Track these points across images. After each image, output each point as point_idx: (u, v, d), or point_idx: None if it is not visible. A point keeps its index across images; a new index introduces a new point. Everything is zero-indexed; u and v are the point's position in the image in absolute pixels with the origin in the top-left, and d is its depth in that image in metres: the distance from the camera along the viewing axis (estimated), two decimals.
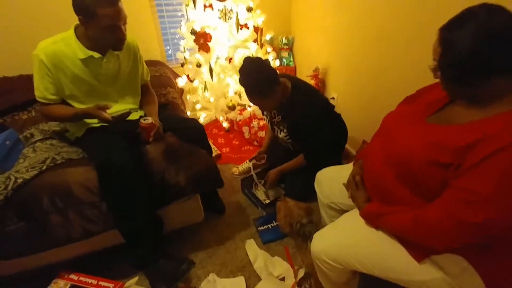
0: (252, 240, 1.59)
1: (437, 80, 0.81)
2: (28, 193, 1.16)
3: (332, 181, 1.29)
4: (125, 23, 1.22)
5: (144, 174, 1.28)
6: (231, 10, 2.01)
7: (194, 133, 1.49)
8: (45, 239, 1.20)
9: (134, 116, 1.47)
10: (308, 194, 1.51)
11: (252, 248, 1.54)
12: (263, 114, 1.82)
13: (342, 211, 1.27)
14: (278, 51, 2.90)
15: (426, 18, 1.42)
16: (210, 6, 1.96)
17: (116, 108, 1.41)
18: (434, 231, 0.75)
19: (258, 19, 2.16)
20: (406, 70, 1.59)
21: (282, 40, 2.87)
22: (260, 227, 1.65)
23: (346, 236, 1.01)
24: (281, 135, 1.68)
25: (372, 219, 0.93)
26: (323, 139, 1.57)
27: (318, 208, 1.42)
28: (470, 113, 0.75)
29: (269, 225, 1.65)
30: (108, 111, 1.22)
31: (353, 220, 1.01)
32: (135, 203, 1.24)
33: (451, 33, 0.70)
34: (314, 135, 1.54)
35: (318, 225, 1.32)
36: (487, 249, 0.78)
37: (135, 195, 1.23)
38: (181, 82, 2.26)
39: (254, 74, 1.41)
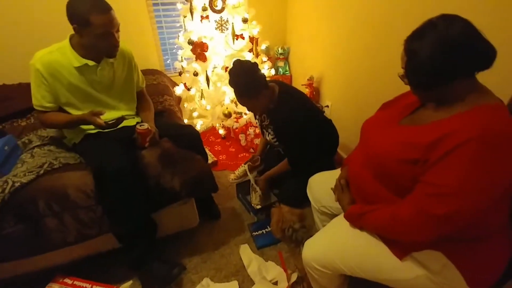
0: (246, 245, 1.60)
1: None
2: (25, 196, 1.18)
3: (323, 186, 1.32)
4: (118, 30, 1.26)
5: (139, 178, 1.31)
6: (227, 21, 2.07)
7: (190, 139, 1.51)
8: (40, 243, 1.22)
9: (130, 122, 1.50)
10: (301, 199, 1.53)
11: (246, 252, 1.55)
12: (255, 118, 1.86)
13: (333, 216, 1.29)
14: (274, 60, 2.97)
15: (417, 24, 1.47)
16: (207, 17, 2.02)
17: (112, 115, 1.43)
18: (408, 226, 0.79)
19: (253, 29, 2.23)
20: (398, 78, 1.62)
21: (278, 50, 2.94)
22: (255, 232, 1.67)
23: (333, 241, 1.03)
24: (269, 137, 1.72)
25: (355, 220, 0.97)
26: (305, 144, 1.60)
27: (311, 213, 1.44)
28: (436, 114, 0.81)
29: (264, 230, 1.67)
30: (103, 117, 1.25)
31: (339, 224, 1.05)
32: (131, 206, 1.26)
33: (413, 43, 0.77)
34: (297, 139, 1.58)
35: (310, 230, 1.34)
36: (464, 244, 0.81)
37: (130, 199, 1.26)
38: (179, 90, 2.31)
39: (242, 76, 1.45)
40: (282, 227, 1.35)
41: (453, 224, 0.73)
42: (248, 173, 1.89)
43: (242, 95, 1.50)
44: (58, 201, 1.22)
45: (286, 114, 1.54)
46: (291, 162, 1.68)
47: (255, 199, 1.80)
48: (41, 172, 1.26)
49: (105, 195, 1.25)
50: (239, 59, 1.51)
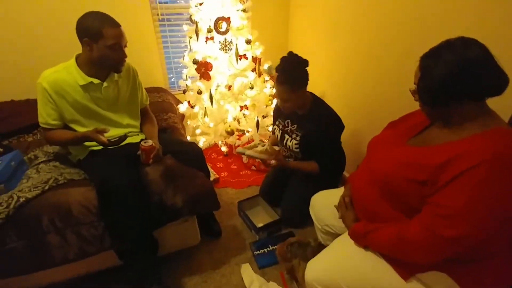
0: (247, 264, 1.58)
1: (418, 105, 0.88)
2: (29, 212, 1.19)
3: (326, 204, 1.32)
4: (126, 46, 1.33)
5: (142, 195, 1.32)
6: (231, 42, 2.14)
7: (193, 156, 1.54)
8: (41, 259, 1.21)
9: (134, 139, 1.53)
10: (303, 217, 1.53)
11: (247, 272, 1.53)
12: (274, 124, 1.85)
13: (337, 235, 1.28)
14: (275, 79, 3.03)
15: (414, 46, 1.53)
16: (212, 38, 2.10)
17: (116, 132, 1.47)
18: (415, 247, 0.78)
19: (256, 50, 2.30)
20: (399, 96, 1.68)
21: None
22: (256, 251, 1.65)
23: (336, 261, 1.02)
24: (291, 143, 1.69)
25: (360, 238, 0.96)
26: (336, 153, 1.68)
27: (314, 232, 1.44)
28: (445, 135, 0.82)
29: (265, 250, 1.65)
30: (107, 134, 1.28)
31: (343, 243, 1.04)
32: (133, 223, 1.27)
33: (428, 60, 0.79)
34: (331, 146, 1.64)
35: (306, 247, 1.34)
36: (469, 265, 0.81)
37: (132, 215, 1.26)
38: (183, 108, 2.35)
39: (294, 65, 1.51)
40: (284, 255, 1.39)
41: (461, 246, 0.74)
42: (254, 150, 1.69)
43: (286, 83, 1.50)
44: (61, 217, 1.22)
45: (322, 121, 1.59)
46: (323, 167, 1.67)
47: (258, 153, 1.65)
48: (46, 187, 1.27)
49: (108, 211, 1.25)
50: (293, 53, 1.55)
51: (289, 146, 1.72)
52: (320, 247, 1.33)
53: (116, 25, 1.27)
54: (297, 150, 1.69)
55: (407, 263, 0.85)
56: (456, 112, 0.78)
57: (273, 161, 1.69)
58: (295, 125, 1.70)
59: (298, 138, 1.66)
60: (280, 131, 1.79)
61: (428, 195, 0.77)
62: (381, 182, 0.90)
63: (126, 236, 1.28)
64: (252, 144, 1.73)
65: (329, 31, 2.26)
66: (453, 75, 0.73)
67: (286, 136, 1.74)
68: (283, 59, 1.53)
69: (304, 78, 1.53)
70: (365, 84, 1.94)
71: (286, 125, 1.74)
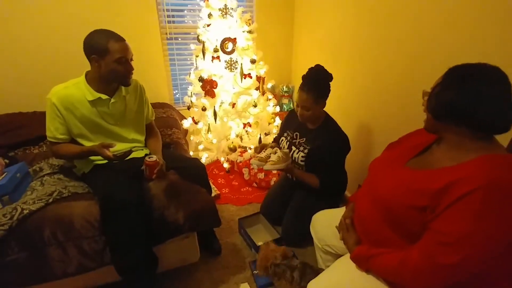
0: (246, 284, 1.56)
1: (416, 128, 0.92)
2: (32, 224, 1.20)
3: (327, 224, 1.32)
4: (132, 59, 1.38)
5: (145, 210, 1.33)
6: (236, 61, 2.21)
7: (196, 172, 1.55)
8: (41, 272, 1.21)
9: (139, 154, 1.55)
10: (303, 237, 1.52)
11: None
12: (281, 135, 1.86)
13: (337, 255, 1.28)
14: (279, 98, 3.09)
15: (416, 64, 1.58)
16: (218, 58, 2.16)
17: (121, 146, 1.50)
18: (416, 274, 0.78)
19: (260, 69, 2.36)
20: (402, 114, 1.72)
21: (283, 88, 3.07)
22: (256, 270, 1.63)
23: (337, 283, 1.01)
24: (298, 155, 1.70)
25: (362, 262, 0.96)
26: (338, 172, 1.70)
27: (313, 252, 1.43)
28: (444, 159, 0.83)
29: None
30: (113, 149, 1.31)
31: (344, 265, 1.03)
32: (134, 238, 1.27)
33: (455, 76, 0.79)
34: (337, 163, 1.67)
35: (292, 261, 1.34)
36: None
37: (134, 231, 1.26)
38: (186, 123, 2.40)
39: (322, 75, 1.57)
40: (266, 264, 1.35)
41: (462, 273, 0.73)
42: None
43: (312, 91, 1.53)
44: (63, 230, 1.23)
45: (332, 138, 1.63)
46: (324, 183, 1.67)
47: (273, 158, 1.62)
48: (50, 200, 1.28)
49: (110, 225, 1.26)
50: (322, 66, 1.61)
51: (295, 158, 1.73)
52: (306, 267, 1.33)
53: (121, 39, 1.32)
54: (302, 163, 1.71)
55: None
56: (455, 133, 0.80)
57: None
58: (304, 138, 1.72)
59: (306, 151, 1.68)
60: (288, 143, 1.80)
61: (429, 220, 0.78)
62: (382, 207, 0.91)
63: (127, 251, 1.27)
64: (264, 155, 1.66)
65: (332, 51, 2.33)
66: (466, 105, 0.75)
67: (293, 148, 1.76)
68: (311, 69, 1.59)
69: (328, 91, 1.59)
70: (368, 101, 1.99)
71: (295, 137, 1.77)
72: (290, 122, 1.84)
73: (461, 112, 0.76)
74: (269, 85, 2.57)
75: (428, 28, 1.48)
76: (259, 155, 1.67)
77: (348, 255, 1.06)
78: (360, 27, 1.97)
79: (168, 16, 2.52)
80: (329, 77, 1.58)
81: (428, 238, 0.78)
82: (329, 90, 1.60)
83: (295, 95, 3.05)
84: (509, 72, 0.76)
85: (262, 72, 2.38)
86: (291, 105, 3.11)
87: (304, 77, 1.59)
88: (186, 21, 2.66)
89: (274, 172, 2.44)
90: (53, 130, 1.37)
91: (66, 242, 1.23)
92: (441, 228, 0.74)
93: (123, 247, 1.27)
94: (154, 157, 1.33)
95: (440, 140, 0.91)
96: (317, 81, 1.56)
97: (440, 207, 0.74)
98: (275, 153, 1.64)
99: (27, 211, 1.21)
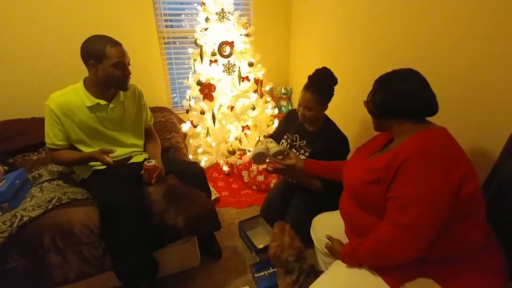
0: (247, 287, 1.56)
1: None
2: (31, 231, 1.20)
3: (327, 226, 1.33)
4: (129, 63, 1.39)
5: (144, 215, 1.32)
6: (234, 64, 2.21)
7: (195, 176, 1.55)
8: (41, 279, 1.20)
9: (138, 159, 1.55)
10: (305, 240, 1.50)
11: None
12: (282, 138, 1.83)
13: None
14: (277, 100, 3.10)
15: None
16: (216, 61, 2.17)
17: (120, 152, 1.50)
18: (389, 243, 0.87)
19: (258, 72, 2.37)
20: None
21: (281, 90, 3.08)
22: (257, 273, 1.63)
23: (334, 285, 1.03)
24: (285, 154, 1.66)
25: (350, 258, 1.01)
26: None
27: (314, 255, 1.43)
28: (392, 146, 1.01)
29: (266, 272, 1.63)
30: (113, 154, 1.31)
31: (339, 266, 1.07)
32: (134, 244, 1.27)
33: (378, 84, 1.03)
34: None
35: (304, 264, 1.32)
36: (452, 267, 0.88)
37: (134, 236, 1.26)
38: (185, 127, 2.40)
39: (328, 78, 1.57)
40: (280, 255, 1.32)
41: (423, 230, 0.83)
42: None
43: (317, 92, 1.53)
44: (63, 236, 1.23)
45: (333, 140, 1.63)
46: (327, 186, 1.65)
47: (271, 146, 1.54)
48: (50, 207, 1.28)
49: (109, 231, 1.26)
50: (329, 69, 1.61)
51: None
52: (311, 273, 1.32)
53: (117, 44, 1.33)
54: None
55: (395, 272, 0.91)
56: (397, 124, 0.98)
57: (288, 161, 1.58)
58: (304, 141, 1.72)
59: (307, 154, 1.68)
60: (288, 145, 1.80)
61: (385, 192, 0.90)
62: (352, 193, 1.06)
63: (127, 257, 1.27)
64: (263, 146, 1.53)
65: (329, 54, 2.34)
66: (392, 99, 0.96)
67: (294, 151, 1.74)
68: (319, 70, 1.59)
69: (332, 94, 1.59)
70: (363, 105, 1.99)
71: (295, 139, 1.76)
72: (289, 123, 1.83)
73: (391, 108, 0.96)
74: (267, 88, 2.58)
75: (424, 29, 1.50)
76: (255, 149, 1.56)
77: None
78: (356, 30, 1.99)
79: (166, 20, 2.53)
80: (335, 81, 1.59)
81: (389, 207, 0.89)
82: (333, 94, 1.60)
83: (294, 97, 3.08)
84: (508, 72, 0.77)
85: (260, 75, 2.38)
86: (290, 107, 3.12)
87: (310, 78, 1.59)
88: (183, 25, 2.68)
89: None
90: (52, 136, 1.37)
91: (65, 248, 1.23)
92: (393, 194, 0.87)
93: (123, 253, 1.27)
94: (153, 162, 1.33)
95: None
96: (323, 83, 1.56)
97: (389, 177, 0.88)
98: (271, 142, 1.57)
99: (27, 218, 1.20)
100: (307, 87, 1.56)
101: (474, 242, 0.89)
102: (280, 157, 1.52)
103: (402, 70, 0.99)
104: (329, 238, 1.19)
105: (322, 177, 1.52)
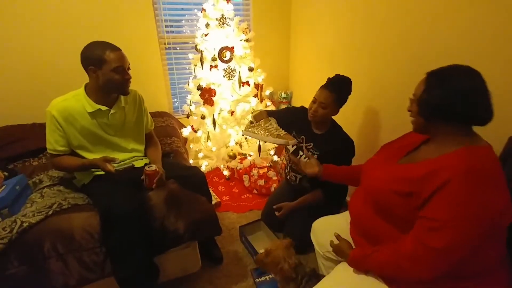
0: None
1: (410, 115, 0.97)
2: (32, 237, 1.19)
3: (327, 230, 1.32)
4: (129, 67, 1.40)
5: (145, 221, 1.32)
6: (234, 69, 2.23)
7: (195, 181, 1.55)
8: (42, 285, 1.19)
9: (138, 164, 1.55)
10: (307, 243, 1.50)
11: None
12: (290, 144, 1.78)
13: (338, 261, 1.27)
14: (277, 104, 3.11)
15: (407, 72, 1.60)
16: (216, 66, 2.18)
17: (121, 157, 1.50)
18: (410, 260, 0.83)
19: (258, 77, 2.38)
20: (396, 119, 1.76)
21: (282, 94, 3.09)
22: (258, 278, 1.62)
23: None
24: (305, 160, 1.66)
25: (359, 263, 0.98)
26: None
27: (315, 259, 1.42)
28: (428, 153, 0.91)
29: (267, 277, 1.62)
30: (115, 164, 1.31)
31: (344, 271, 1.04)
32: (135, 249, 1.26)
33: (435, 79, 0.87)
34: None
35: (306, 268, 1.31)
36: (465, 283, 0.84)
37: (135, 242, 1.26)
38: (186, 132, 2.40)
39: (347, 83, 1.61)
40: (277, 265, 1.30)
41: (451, 256, 0.78)
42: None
43: (335, 92, 1.56)
44: (64, 242, 1.22)
45: (341, 143, 1.65)
46: (330, 191, 1.69)
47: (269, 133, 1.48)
48: (50, 212, 1.28)
49: (110, 237, 1.25)
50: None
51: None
52: (312, 277, 1.30)
53: (117, 49, 1.34)
54: None
55: (406, 285, 0.88)
56: (444, 130, 0.87)
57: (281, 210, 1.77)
58: (311, 144, 1.72)
59: (315, 156, 1.66)
60: (295, 146, 1.78)
61: (417, 207, 0.84)
62: (374, 199, 0.98)
63: (128, 262, 1.27)
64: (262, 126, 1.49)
65: (328, 58, 2.35)
66: (453, 99, 0.82)
67: (300, 153, 1.73)
68: (339, 75, 1.63)
69: (345, 99, 1.62)
70: (364, 106, 2.02)
71: (301, 141, 1.77)
72: (296, 120, 1.80)
73: (449, 109, 0.83)
74: (267, 92, 2.59)
75: (421, 33, 1.51)
76: (252, 125, 1.54)
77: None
78: (354, 35, 2.00)
79: (166, 26, 2.55)
80: (350, 90, 1.62)
81: (419, 226, 0.83)
82: (345, 102, 1.62)
83: (294, 101, 3.08)
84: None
85: (260, 80, 2.39)
86: None
87: (330, 79, 1.62)
88: (184, 31, 2.69)
89: (274, 178, 2.44)
90: (53, 142, 1.37)
91: (66, 254, 1.22)
92: (428, 214, 0.81)
93: (124, 258, 1.26)
94: (153, 167, 1.33)
95: (428, 139, 0.99)
96: (343, 85, 1.60)
97: (424, 194, 0.81)
98: (271, 124, 1.51)
99: (27, 224, 1.20)
100: (326, 86, 1.59)
101: (495, 259, 0.85)
102: (304, 158, 1.55)
103: (461, 65, 0.85)
104: (337, 236, 1.14)
105: (340, 183, 1.50)
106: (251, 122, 1.57)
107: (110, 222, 1.24)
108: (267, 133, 1.49)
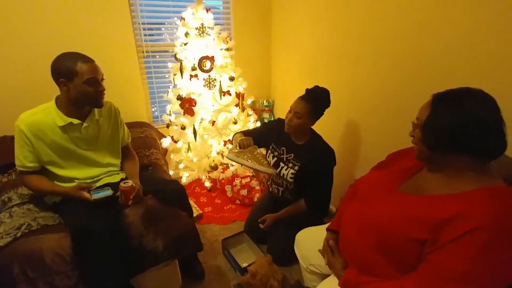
0: None
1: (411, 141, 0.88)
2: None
3: (311, 242, 1.31)
4: (102, 79, 1.35)
5: (121, 240, 1.27)
6: (215, 79, 2.21)
7: (175, 196, 1.51)
8: None
9: (114, 179, 1.49)
10: (290, 255, 1.49)
11: None
12: (268, 150, 1.84)
13: (323, 275, 1.26)
14: (259, 112, 3.11)
15: (393, 79, 1.64)
16: (196, 76, 2.15)
17: (96, 172, 1.45)
18: None
19: (239, 86, 2.37)
20: (378, 129, 1.77)
21: (264, 103, 3.09)
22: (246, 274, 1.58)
23: None
24: (287, 171, 1.70)
25: (353, 287, 0.93)
26: (327, 189, 1.70)
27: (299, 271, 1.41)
28: (440, 185, 0.80)
29: None
30: (89, 174, 1.25)
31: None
32: (110, 271, 1.21)
33: (444, 103, 0.77)
34: (322, 182, 1.67)
35: (291, 280, 1.30)
36: None
37: (110, 264, 1.20)
38: (166, 142, 2.35)
39: (324, 95, 1.61)
40: (266, 282, 1.29)
41: None
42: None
43: (311, 103, 1.56)
44: (34, 266, 1.15)
45: (321, 154, 1.64)
46: (311, 203, 1.70)
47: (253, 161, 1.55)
48: (18, 234, 1.20)
49: (83, 259, 1.19)
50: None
51: (283, 174, 1.73)
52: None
53: (89, 60, 1.29)
54: (291, 180, 1.70)
55: None
56: (454, 162, 0.78)
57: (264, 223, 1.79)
58: (292, 154, 1.71)
59: (296, 168, 1.67)
60: (275, 158, 1.78)
61: (427, 252, 0.75)
62: (377, 235, 0.87)
63: (102, 286, 1.21)
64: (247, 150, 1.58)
65: (309, 66, 2.38)
66: (466, 128, 0.72)
67: (282, 164, 1.74)
68: (318, 87, 1.63)
69: (322, 112, 1.62)
70: (345, 115, 2.04)
71: (282, 152, 1.76)
72: (273, 132, 1.80)
73: (460, 138, 0.73)
74: (249, 101, 2.58)
75: (402, 40, 1.54)
76: (237, 149, 1.60)
77: (332, 276, 1.04)
78: (336, 43, 2.03)
79: (145, 34, 2.50)
80: (328, 102, 1.63)
81: (428, 271, 0.74)
82: (322, 114, 1.63)
83: (276, 109, 3.09)
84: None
85: (241, 89, 2.38)
86: (272, 119, 3.13)
87: (308, 90, 1.62)
88: (163, 38, 2.65)
89: (257, 188, 2.42)
90: (22, 158, 1.30)
91: (37, 279, 1.15)
92: (443, 262, 0.71)
93: (98, 282, 1.20)
94: (129, 182, 1.28)
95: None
96: (319, 97, 1.60)
97: (441, 240, 0.71)
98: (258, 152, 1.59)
99: None
100: (303, 97, 1.60)
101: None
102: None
103: (472, 89, 0.75)
104: (333, 248, 1.05)
105: None
106: (239, 147, 1.62)
107: (83, 243, 1.18)
108: (255, 162, 1.55)
